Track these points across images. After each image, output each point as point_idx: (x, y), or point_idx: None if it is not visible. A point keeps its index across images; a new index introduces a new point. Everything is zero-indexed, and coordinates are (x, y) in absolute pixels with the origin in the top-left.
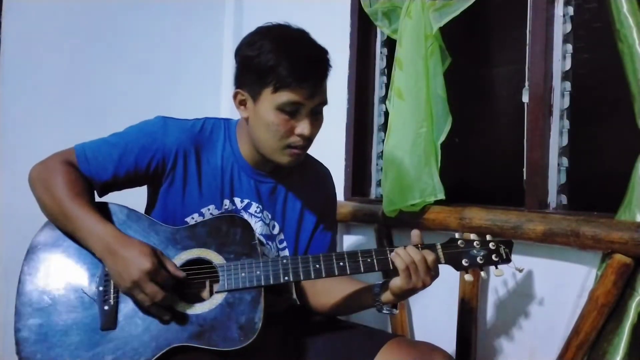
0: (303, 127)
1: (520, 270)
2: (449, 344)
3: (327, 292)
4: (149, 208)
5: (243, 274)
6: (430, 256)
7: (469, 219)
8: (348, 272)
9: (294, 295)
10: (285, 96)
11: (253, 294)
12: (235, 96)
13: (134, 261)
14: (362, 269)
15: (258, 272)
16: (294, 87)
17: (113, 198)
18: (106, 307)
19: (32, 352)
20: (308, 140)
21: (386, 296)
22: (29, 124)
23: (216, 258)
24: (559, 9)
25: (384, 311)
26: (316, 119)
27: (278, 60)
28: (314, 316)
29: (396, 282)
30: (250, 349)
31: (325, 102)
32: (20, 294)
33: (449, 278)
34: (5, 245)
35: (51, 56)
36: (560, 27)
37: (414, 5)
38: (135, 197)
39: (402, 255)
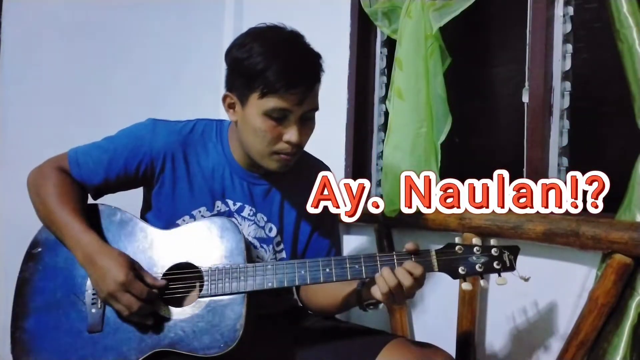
0: (291, 134)
1: (526, 280)
2: (449, 345)
3: (316, 289)
4: (145, 209)
5: (227, 280)
6: (407, 281)
7: (469, 219)
8: (334, 279)
9: (295, 296)
10: (272, 102)
11: (236, 300)
12: (224, 99)
13: (110, 272)
14: (348, 275)
15: (242, 278)
16: (282, 94)
17: (109, 199)
18: (94, 310)
19: (25, 352)
20: (297, 146)
21: (368, 294)
22: (29, 124)
23: (203, 262)
24: (559, 9)
25: (368, 309)
26: (306, 125)
27: (267, 64)
28: (315, 318)
29: (376, 295)
30: (251, 350)
31: (316, 108)
32: (17, 294)
33: (448, 278)
34: (5, 245)
35: (51, 56)
36: (560, 27)
37: (414, 5)
38: (132, 198)
39: (385, 278)
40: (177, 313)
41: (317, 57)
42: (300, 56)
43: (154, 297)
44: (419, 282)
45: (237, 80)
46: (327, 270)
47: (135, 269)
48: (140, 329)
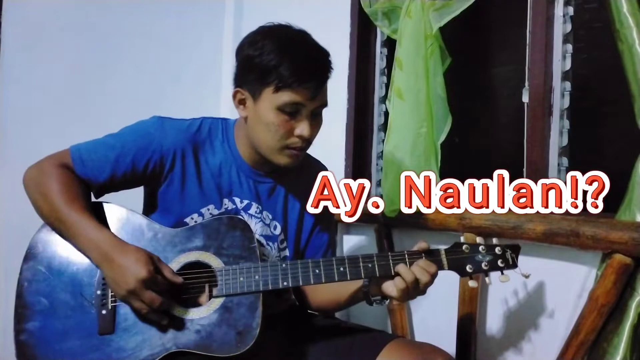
0: (303, 128)
1: (527, 277)
2: (449, 345)
3: (316, 287)
4: (148, 209)
5: (241, 279)
6: (425, 277)
7: (469, 219)
8: (348, 277)
9: (293, 296)
10: (286, 96)
11: (251, 299)
12: (234, 95)
13: (130, 269)
14: (362, 274)
15: (257, 277)
16: (296, 88)
17: (110, 199)
18: (104, 312)
19: (31, 356)
20: (307, 141)
21: (375, 289)
22: (29, 124)
23: (215, 261)
24: (559, 9)
25: (375, 304)
26: (315, 121)
27: (280, 60)
28: (315, 318)
29: (388, 291)
30: (250, 352)
31: (325, 104)
32: (19, 296)
33: (449, 278)
34: (5, 245)
35: (51, 56)
36: (560, 27)
37: (414, 5)
38: (133, 198)
39: (403, 275)
40: (192, 313)
41: (326, 54)
42: (312, 52)
43: (175, 292)
44: (433, 279)
45: (249, 76)
46: (342, 269)
47: (154, 263)
48: (154, 330)
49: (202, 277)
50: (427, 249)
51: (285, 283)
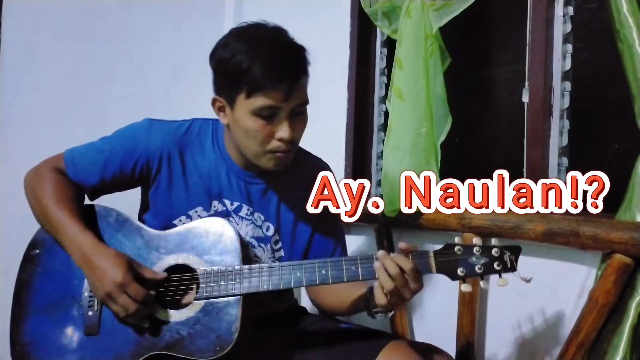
0: (283, 131)
1: (528, 281)
2: (449, 345)
3: (325, 292)
4: (142, 210)
5: (223, 282)
6: (407, 264)
7: (469, 219)
8: (330, 281)
9: (295, 296)
10: (259, 101)
11: (232, 302)
12: (213, 103)
13: (107, 272)
14: (345, 277)
15: (238, 280)
16: (268, 91)
17: (107, 200)
18: (90, 313)
19: (22, 355)
20: (290, 143)
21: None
22: (29, 124)
23: (198, 264)
24: (559, 9)
25: (377, 316)
26: (297, 121)
27: (250, 62)
28: (314, 317)
29: (378, 293)
30: (250, 350)
31: (305, 102)
32: (16, 296)
33: (449, 279)
34: (5, 245)
35: (51, 56)
36: (560, 27)
37: (413, 5)
38: (130, 199)
39: (386, 265)
40: (174, 315)
41: (300, 50)
42: (283, 51)
43: (150, 299)
44: (416, 273)
45: (223, 81)
46: (323, 272)
47: (132, 267)
48: (137, 332)
49: (185, 280)
50: (413, 250)
51: (265, 286)
